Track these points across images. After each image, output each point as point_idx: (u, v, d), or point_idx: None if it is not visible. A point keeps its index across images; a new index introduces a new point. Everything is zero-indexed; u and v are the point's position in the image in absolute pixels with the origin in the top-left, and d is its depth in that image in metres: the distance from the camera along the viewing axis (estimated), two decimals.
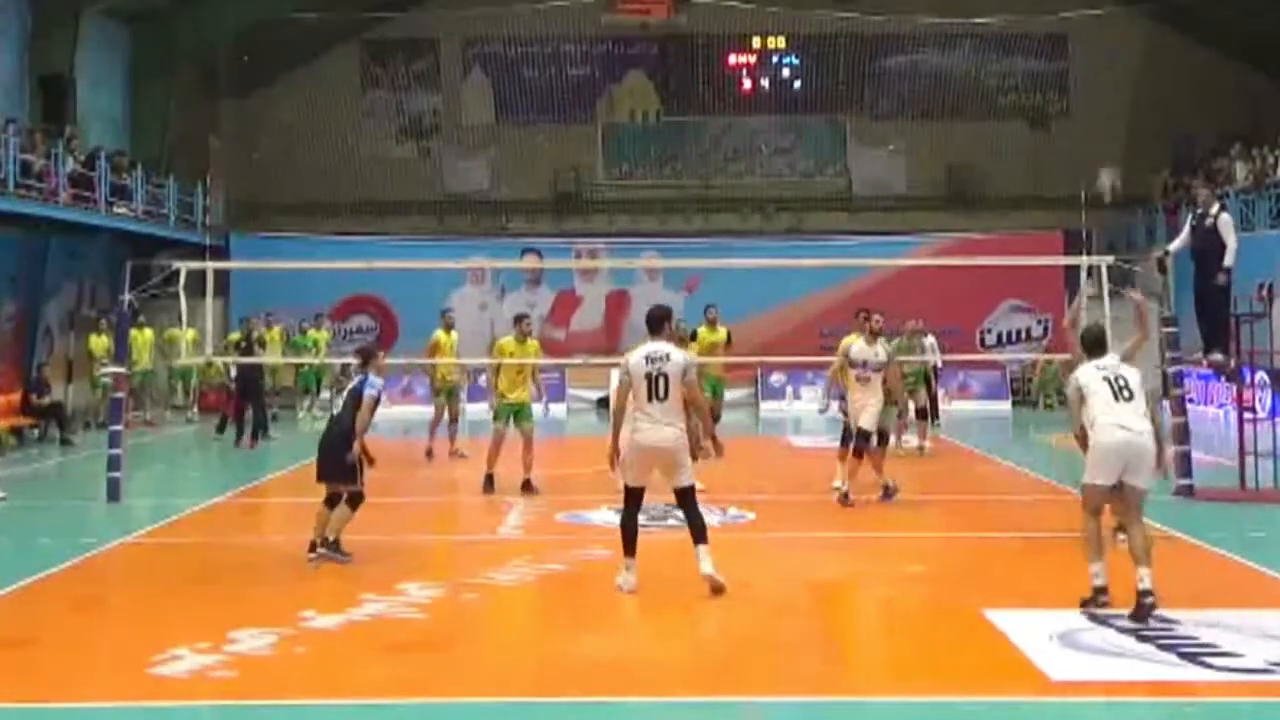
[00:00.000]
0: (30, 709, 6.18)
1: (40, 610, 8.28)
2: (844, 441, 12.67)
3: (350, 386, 9.87)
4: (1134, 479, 7.71)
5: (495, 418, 13.31)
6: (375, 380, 9.66)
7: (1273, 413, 14.20)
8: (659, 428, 8.26)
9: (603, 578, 8.64)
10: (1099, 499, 7.84)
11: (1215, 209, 12.56)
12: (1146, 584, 7.38)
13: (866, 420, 12.03)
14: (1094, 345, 8.26)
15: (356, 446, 9.49)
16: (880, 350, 12.31)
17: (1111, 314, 12.01)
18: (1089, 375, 7.96)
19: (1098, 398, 7.82)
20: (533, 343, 13.64)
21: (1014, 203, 27.95)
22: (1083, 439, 7.98)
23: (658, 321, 8.61)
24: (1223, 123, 25.65)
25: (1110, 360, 8.09)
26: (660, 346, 8.44)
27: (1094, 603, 7.66)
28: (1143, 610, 7.34)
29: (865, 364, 12.15)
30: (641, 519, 8.73)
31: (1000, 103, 29.24)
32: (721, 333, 15.23)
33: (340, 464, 9.53)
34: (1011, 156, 28.20)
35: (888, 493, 12.17)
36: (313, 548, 9.58)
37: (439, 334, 16.13)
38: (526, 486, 12.95)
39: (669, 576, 8.72)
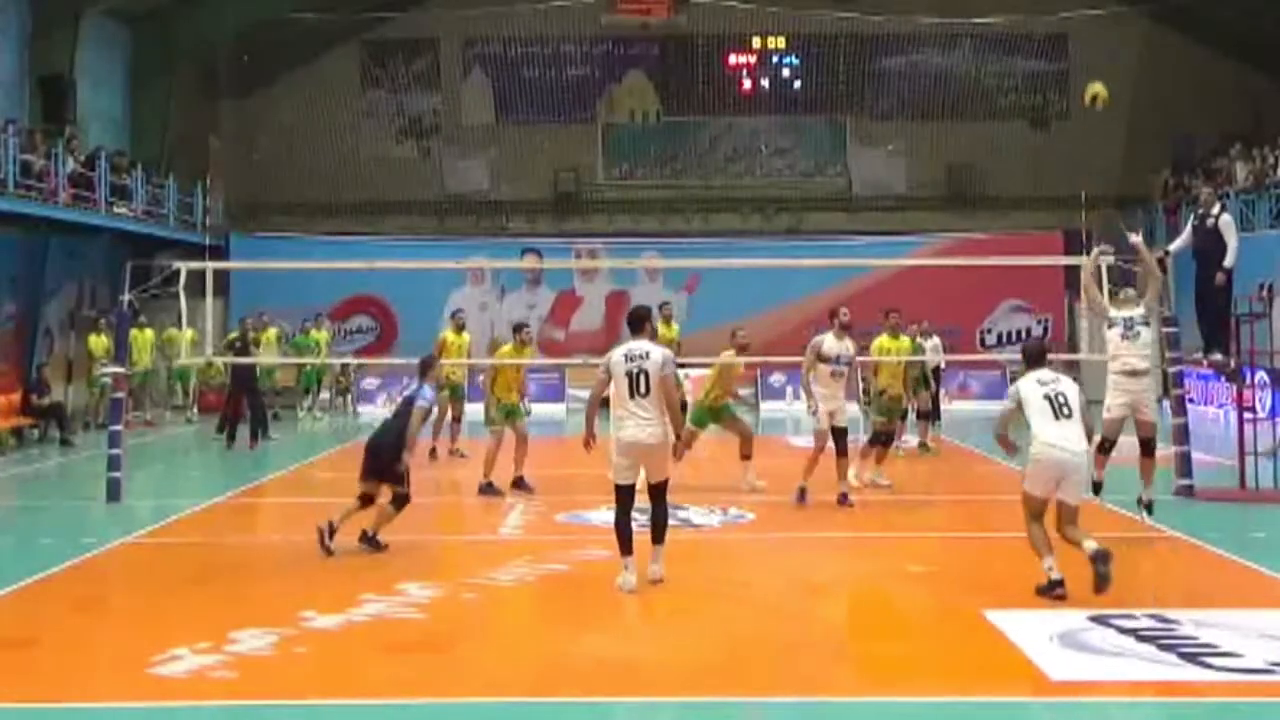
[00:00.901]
0: (30, 709, 6.18)
1: (40, 610, 8.29)
2: (873, 440, 13.38)
3: (405, 394, 10.38)
4: (1065, 495, 8.10)
5: (493, 421, 13.29)
6: (428, 392, 10.15)
7: (1273, 413, 14.20)
8: (643, 425, 8.41)
9: (603, 578, 8.64)
10: (1037, 506, 8.19)
11: (1217, 209, 12.56)
12: (1094, 546, 7.77)
13: (844, 419, 12.13)
14: (1035, 358, 8.66)
15: (407, 457, 9.96)
16: (849, 345, 12.36)
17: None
18: (1030, 389, 8.29)
19: (1038, 415, 8.17)
20: (529, 350, 13.88)
21: (1014, 203, 27.96)
22: (1004, 441, 8.48)
23: (639, 321, 8.86)
24: (1223, 123, 25.64)
25: (1046, 373, 8.41)
26: (640, 345, 8.62)
27: (1050, 592, 7.96)
28: (1099, 565, 7.68)
29: (838, 359, 12.19)
30: (642, 519, 8.76)
31: (1000, 103, 29.22)
32: (675, 329, 15.48)
33: (388, 466, 9.94)
34: (1011, 156, 28.17)
35: (802, 495, 12.04)
36: (322, 538, 9.70)
37: (447, 334, 16.23)
38: (519, 484, 12.99)
39: (669, 576, 8.73)
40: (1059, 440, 8.05)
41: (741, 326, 13.91)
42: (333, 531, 9.74)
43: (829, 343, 12.20)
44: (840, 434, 12.03)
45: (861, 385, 24.65)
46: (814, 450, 12.14)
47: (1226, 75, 26.81)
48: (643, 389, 8.42)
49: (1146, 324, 10.50)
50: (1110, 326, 10.53)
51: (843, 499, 11.94)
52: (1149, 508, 10.25)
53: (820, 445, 12.08)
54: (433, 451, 16.16)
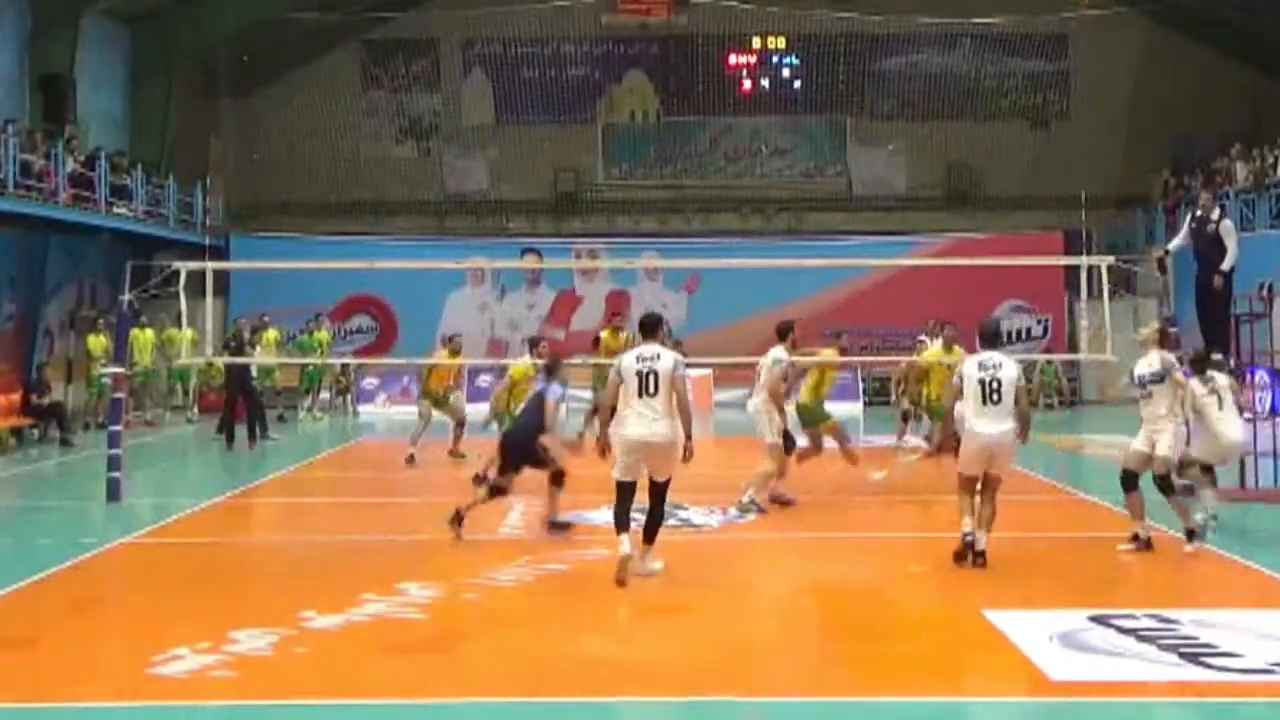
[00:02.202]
0: (30, 709, 6.17)
1: (40, 610, 8.27)
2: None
3: (535, 391, 10.92)
4: (995, 469, 8.95)
5: (498, 424, 13.31)
6: (556, 388, 10.63)
7: (1273, 412, 14.18)
8: (649, 423, 8.54)
9: (603, 578, 8.63)
10: (967, 483, 9.03)
11: (1216, 214, 12.55)
12: (982, 546, 8.74)
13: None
14: (987, 338, 9.30)
15: (547, 439, 10.41)
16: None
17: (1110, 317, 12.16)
18: (971, 370, 8.97)
19: (970, 398, 8.89)
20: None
21: (1014, 203, 28.03)
22: (948, 419, 9.39)
23: (651, 327, 9.09)
24: (1223, 123, 25.67)
25: (992, 358, 8.96)
26: (652, 348, 8.82)
27: (969, 548, 8.91)
28: (979, 560, 8.74)
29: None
30: (642, 519, 8.77)
31: (1000, 103, 29.29)
32: (623, 338, 15.64)
33: (530, 454, 10.36)
34: (1011, 156, 28.25)
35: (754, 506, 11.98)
36: (457, 519, 10.21)
37: (443, 354, 16.35)
38: (482, 478, 13.05)
39: (670, 576, 8.74)
40: (979, 425, 8.81)
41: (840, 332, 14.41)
42: (460, 518, 10.16)
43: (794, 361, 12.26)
44: (789, 439, 12.12)
45: (868, 389, 24.82)
46: (775, 470, 12.04)
47: (1227, 76, 26.86)
48: (651, 389, 8.58)
49: (1160, 380, 9.89)
50: (1131, 379, 10.17)
51: (782, 501, 11.97)
52: (1147, 542, 9.91)
53: (780, 464, 12.03)
54: (410, 459, 15.91)
